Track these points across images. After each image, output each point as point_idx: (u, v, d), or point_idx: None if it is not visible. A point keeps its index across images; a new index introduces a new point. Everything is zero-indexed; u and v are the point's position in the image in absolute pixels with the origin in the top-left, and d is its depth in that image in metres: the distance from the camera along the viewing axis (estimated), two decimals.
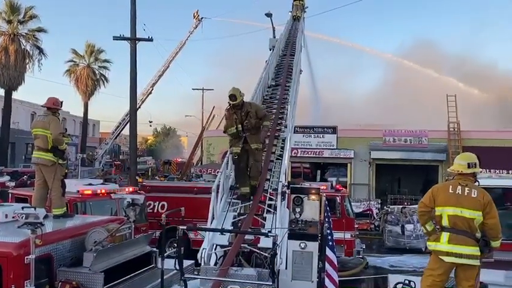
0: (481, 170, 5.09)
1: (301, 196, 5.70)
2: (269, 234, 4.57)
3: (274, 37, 15.19)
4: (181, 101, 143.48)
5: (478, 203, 4.46)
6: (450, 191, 4.63)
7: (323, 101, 41.10)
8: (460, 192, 4.57)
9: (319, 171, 23.78)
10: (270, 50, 13.74)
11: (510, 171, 19.47)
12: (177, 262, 4.43)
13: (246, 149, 6.40)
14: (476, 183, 4.72)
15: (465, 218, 4.50)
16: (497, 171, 19.32)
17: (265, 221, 5.91)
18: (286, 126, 8.45)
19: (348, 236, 13.51)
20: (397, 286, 5.03)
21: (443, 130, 22.14)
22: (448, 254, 4.50)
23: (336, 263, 5.11)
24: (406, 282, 5.06)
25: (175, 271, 4.97)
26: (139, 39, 19.29)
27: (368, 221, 20.67)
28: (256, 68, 11.76)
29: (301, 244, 5.26)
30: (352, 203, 18.19)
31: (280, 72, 12.04)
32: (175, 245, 10.72)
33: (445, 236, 4.56)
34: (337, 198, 13.84)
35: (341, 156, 23.29)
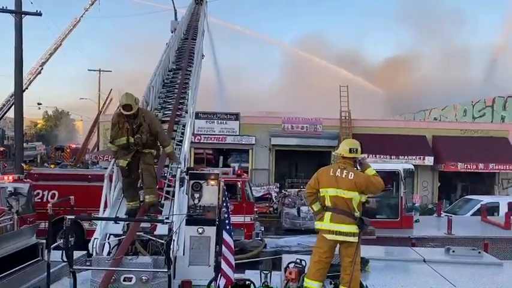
0: (364, 155, 5.53)
1: (200, 182, 5.69)
2: (164, 221, 4.50)
3: (176, 19, 14.83)
4: (76, 83, 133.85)
5: (354, 184, 4.88)
6: (331, 173, 5.01)
7: (227, 88, 41.42)
8: (339, 175, 4.96)
9: (221, 157, 23.94)
10: (172, 32, 13.40)
11: (393, 157, 21.53)
12: (64, 253, 4.16)
13: (138, 157, 5.61)
14: (356, 168, 5.13)
15: (344, 198, 4.90)
16: (382, 156, 21.31)
17: (163, 207, 5.82)
18: (186, 112, 8.34)
19: (247, 219, 13.91)
20: (289, 265, 5.30)
21: (336, 118, 23.68)
22: (330, 232, 4.88)
23: (232, 246, 5.21)
24: (298, 261, 5.36)
25: (64, 263, 4.69)
26: (26, 13, 17.50)
27: (267, 204, 21.47)
28: (157, 50, 11.38)
29: (198, 229, 5.28)
30: (252, 188, 18.70)
31: (182, 55, 11.80)
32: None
33: (327, 215, 4.93)
34: (238, 183, 14.13)
35: (243, 142, 23.74)
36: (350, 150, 5.08)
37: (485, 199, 16.02)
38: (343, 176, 4.98)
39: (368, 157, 19.67)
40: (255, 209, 15.06)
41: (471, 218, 13.13)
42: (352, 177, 4.96)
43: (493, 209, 14.04)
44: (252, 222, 14.13)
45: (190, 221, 5.28)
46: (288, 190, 20.25)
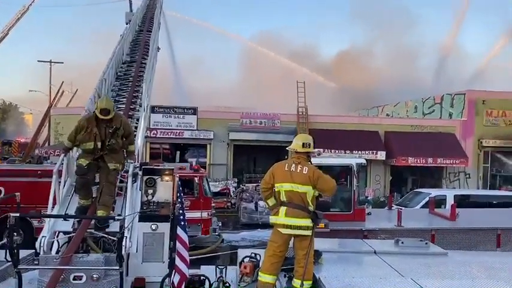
0: (319, 150, 5.65)
1: (154, 177, 5.59)
2: (116, 218, 4.40)
3: (131, 11, 14.42)
4: (25, 75, 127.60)
5: (308, 178, 4.97)
6: (286, 168, 5.07)
7: (184, 82, 40.89)
8: (293, 170, 5.03)
9: (178, 152, 23.65)
10: (126, 24, 13.06)
11: (348, 151, 22.08)
12: (8, 252, 3.97)
13: (99, 166, 5.48)
14: (310, 162, 5.22)
15: (298, 193, 4.98)
16: (337, 151, 21.80)
17: (115, 204, 5.68)
18: (140, 105, 8.17)
19: (205, 215, 13.83)
20: (244, 260, 5.33)
21: (294, 114, 23.97)
22: (285, 226, 4.95)
23: (187, 242, 5.17)
24: (253, 255, 5.41)
25: (9, 263, 4.49)
26: None
27: (225, 199, 21.46)
28: (111, 42, 11.03)
29: (152, 226, 5.20)
30: (210, 183, 18.61)
31: (136, 48, 11.53)
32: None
33: (282, 210, 5.00)
34: (195, 178, 14.01)
35: (201, 137, 23.56)
36: (303, 145, 5.16)
37: (434, 192, 16.80)
38: (298, 170, 5.05)
39: (324, 152, 20.13)
40: (213, 204, 15.01)
41: (420, 210, 13.72)
42: (306, 172, 5.04)
43: (440, 202, 14.76)
44: (209, 217, 14.07)
45: (144, 217, 5.18)
46: (246, 185, 20.34)
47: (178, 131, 23.25)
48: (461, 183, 24.56)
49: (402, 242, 6.47)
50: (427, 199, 13.73)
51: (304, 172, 5.04)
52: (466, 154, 23.95)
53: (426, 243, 6.59)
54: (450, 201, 14.54)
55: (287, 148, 5.35)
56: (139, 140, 6.68)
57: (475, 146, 24.83)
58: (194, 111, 23.64)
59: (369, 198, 21.37)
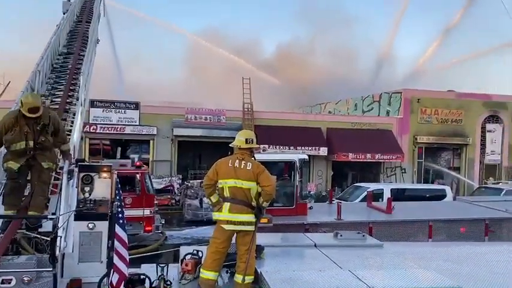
0: (264, 146, 5.70)
1: (91, 174, 5.37)
2: (49, 217, 4.18)
3: (69, 0, 13.76)
4: None
5: (252, 174, 5.00)
6: (230, 164, 5.07)
7: (127, 76, 39.67)
8: (237, 166, 5.04)
9: (119, 149, 22.94)
10: (64, 13, 12.47)
11: (292, 147, 22.51)
12: None
13: (31, 165, 5.17)
14: (253, 158, 5.26)
15: (242, 189, 5.00)
16: (282, 147, 22.17)
17: (49, 202, 5.40)
18: (77, 99, 7.82)
19: (147, 212, 13.55)
20: (186, 257, 5.27)
21: (239, 110, 24.02)
22: (228, 222, 4.95)
23: (126, 240, 5.01)
24: (195, 252, 5.35)
25: None
26: None
27: (169, 196, 21.13)
28: (47, 33, 10.45)
29: (89, 224, 5.01)
30: (153, 180, 18.22)
31: (74, 39, 11.04)
32: None
33: (226, 206, 4.99)
34: (137, 175, 13.67)
35: (143, 132, 22.97)
36: (246, 141, 5.18)
37: (372, 186, 17.55)
38: (242, 166, 5.06)
39: (269, 148, 20.37)
40: (156, 202, 14.73)
41: (359, 204, 14.27)
42: (250, 168, 5.06)
43: (378, 195, 15.44)
44: (152, 215, 13.80)
45: (80, 215, 4.97)
46: (191, 181, 20.14)
47: (119, 127, 22.51)
48: (398, 178, 25.83)
49: (341, 235, 6.67)
50: (365, 193, 14.32)
51: (248, 168, 5.06)
52: (402, 150, 25.21)
53: (363, 235, 6.84)
54: (387, 194, 15.27)
55: (230, 145, 5.34)
56: (75, 136, 6.41)
57: (410, 142, 26.19)
58: (136, 105, 23.00)
59: (311, 192, 21.94)
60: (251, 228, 4.96)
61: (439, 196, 17.67)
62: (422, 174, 26.79)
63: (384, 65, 51.81)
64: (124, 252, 4.99)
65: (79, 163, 5.42)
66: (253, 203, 5.03)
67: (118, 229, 4.95)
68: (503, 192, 17.73)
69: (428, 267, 5.63)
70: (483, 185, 22.60)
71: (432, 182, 25.62)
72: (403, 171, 25.99)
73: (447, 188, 19.02)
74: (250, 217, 4.96)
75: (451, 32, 50.85)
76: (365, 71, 50.58)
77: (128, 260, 5.03)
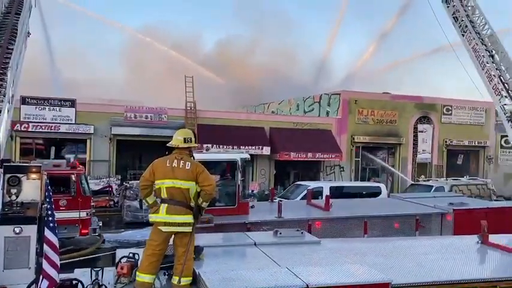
0: (208, 145, 5.65)
1: (18, 175, 5.06)
2: None
3: None
4: None
5: (191, 174, 4.94)
6: (167, 164, 4.98)
7: (62, 72, 37.79)
8: (175, 165, 4.96)
9: (54, 148, 21.79)
10: None
11: (235, 147, 22.55)
12: None
13: None
14: (192, 157, 5.20)
15: (180, 189, 4.92)
16: (226, 146, 22.15)
17: None
18: (5, 95, 7.33)
19: (83, 214, 13.01)
20: (122, 260, 5.11)
21: (182, 108, 23.69)
22: (165, 224, 4.86)
23: (57, 244, 4.78)
24: (131, 255, 5.20)
25: None
26: None
27: (107, 197, 20.42)
28: None
29: (15, 229, 4.72)
30: (90, 181, 17.50)
31: (2, 31, 10.32)
32: None
33: (163, 207, 4.89)
34: (72, 176, 13.06)
35: (80, 131, 21.98)
36: (185, 140, 5.11)
37: (312, 184, 18.04)
38: (180, 166, 4.98)
39: (212, 147, 20.26)
40: (92, 203, 14.15)
41: (299, 201, 14.60)
42: (188, 167, 4.99)
43: (318, 193, 15.87)
44: (89, 217, 13.25)
45: (5, 219, 4.66)
46: (130, 182, 19.55)
47: (53, 125, 21.39)
48: (337, 176, 26.69)
49: (280, 233, 6.77)
50: (305, 191, 14.65)
51: (187, 168, 4.99)
52: (340, 149, 26.09)
53: (302, 232, 7.00)
54: (326, 192, 15.71)
55: (168, 144, 5.23)
56: (1, 135, 5.99)
57: (348, 142, 27.17)
58: (72, 103, 21.97)
59: (254, 191, 22.13)
60: (189, 229, 4.90)
61: (375, 193, 18.50)
62: (360, 173, 27.89)
63: (324, 67, 53.39)
64: (55, 257, 4.75)
65: (4, 164, 5.08)
66: (192, 204, 4.97)
67: (48, 233, 4.71)
68: (433, 189, 18.91)
69: (362, 262, 5.86)
70: (415, 182, 23.96)
71: (368, 180, 26.74)
72: (342, 169, 26.90)
73: (382, 186, 19.97)
74: (189, 218, 4.90)
75: (386, 38, 53.46)
76: (307, 73, 51.84)
77: (58, 265, 4.80)
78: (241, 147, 22.75)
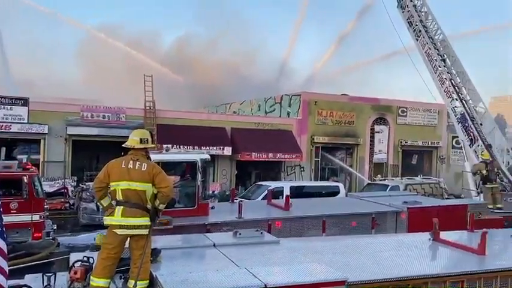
0: (167, 146, 5.55)
1: None
2: None
3: None
4: None
5: (147, 175, 4.85)
6: (123, 166, 4.86)
7: (14, 70, 36.19)
8: (131, 167, 4.86)
9: (4, 149, 20.81)
10: None
11: (196, 147, 22.36)
12: None
13: None
14: (149, 158, 5.11)
15: (136, 191, 4.82)
16: (187, 147, 21.90)
17: None
18: None
19: (36, 217, 12.48)
20: (76, 264, 4.95)
21: (141, 108, 23.23)
22: (121, 227, 4.74)
23: (5, 249, 4.56)
24: (85, 259, 5.05)
25: None
26: None
27: (63, 199, 19.75)
28: None
29: None
30: (44, 182, 16.86)
31: None
32: None
33: (119, 210, 4.78)
34: (24, 178, 12.51)
35: (33, 131, 21.08)
36: (141, 141, 5.01)
37: (273, 184, 18.19)
38: (136, 167, 4.88)
39: (172, 147, 19.98)
40: (46, 206, 13.61)
41: (260, 202, 14.67)
42: (145, 169, 4.90)
43: (279, 193, 16.02)
44: (42, 220, 12.72)
45: None
46: (86, 183, 18.98)
47: (4, 124, 20.41)
48: (297, 176, 27.02)
49: (240, 234, 6.78)
50: (266, 191, 14.73)
51: (143, 169, 4.89)
52: (301, 149, 26.43)
53: (261, 233, 7.03)
54: (287, 192, 15.89)
55: (123, 145, 5.11)
56: None
57: (308, 142, 27.57)
58: (25, 102, 21.04)
59: (215, 192, 22.03)
60: (145, 232, 4.81)
61: (334, 192, 18.89)
62: (319, 172, 28.37)
63: (286, 68, 54.00)
64: (3, 263, 4.54)
65: None
66: (149, 206, 4.88)
67: None
68: (388, 188, 19.52)
69: (319, 260, 5.96)
70: (372, 182, 24.65)
71: (327, 180, 27.25)
72: (302, 169, 27.27)
73: (340, 185, 20.42)
74: (145, 220, 4.81)
75: (345, 40, 54.76)
76: (269, 74, 52.23)
77: (7, 271, 4.59)
78: (202, 147, 22.59)
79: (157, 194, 4.94)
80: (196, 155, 10.25)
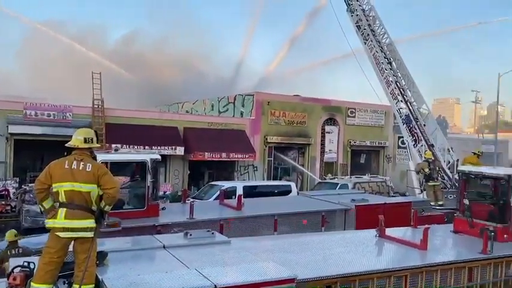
0: (117, 145, 5.38)
1: None
2: None
3: None
4: None
5: (92, 176, 4.69)
6: (66, 166, 4.68)
7: None
8: (75, 167, 4.68)
9: None
10: None
11: (147, 147, 21.90)
12: None
13: None
14: (94, 158, 4.94)
15: (81, 192, 4.65)
16: (137, 146, 21.38)
17: None
18: None
19: None
20: (15, 270, 4.70)
21: (88, 106, 22.41)
22: (64, 229, 4.56)
23: None
24: (25, 264, 4.81)
25: None
26: None
27: (4, 202, 18.70)
28: None
29: None
30: None
31: None
32: None
33: (62, 212, 4.59)
34: None
35: None
36: (85, 140, 4.83)
37: (226, 184, 18.16)
38: (80, 168, 4.70)
39: (122, 147, 19.43)
40: None
41: (212, 202, 14.58)
42: (90, 169, 4.73)
43: (232, 193, 16.01)
44: None
45: None
46: (30, 185, 18.05)
47: None
48: (250, 176, 27.14)
49: (190, 234, 6.72)
50: (219, 191, 14.64)
51: (87, 169, 4.72)
52: (254, 149, 26.57)
53: (212, 233, 7.01)
54: (240, 192, 15.91)
55: (66, 144, 4.90)
56: None
57: (262, 142, 27.76)
58: None
59: (167, 193, 21.67)
60: (90, 234, 4.64)
61: (286, 191, 19.13)
62: (272, 172, 28.65)
63: (240, 68, 54.08)
64: None
65: None
66: (94, 208, 4.72)
67: None
68: (338, 187, 20.07)
69: (270, 259, 6.02)
70: (322, 181, 25.23)
71: (280, 179, 27.58)
72: (255, 169, 27.42)
73: (292, 184, 20.72)
74: (90, 222, 4.65)
75: (296, 42, 55.64)
76: (223, 74, 52.09)
77: None
78: (154, 147, 22.14)
79: (102, 195, 4.78)
80: (146, 155, 10.02)
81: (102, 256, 5.11)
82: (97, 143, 4.97)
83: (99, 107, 22.49)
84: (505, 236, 8.30)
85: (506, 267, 7.49)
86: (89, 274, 4.50)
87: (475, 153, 16.68)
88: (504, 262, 7.45)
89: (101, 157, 8.59)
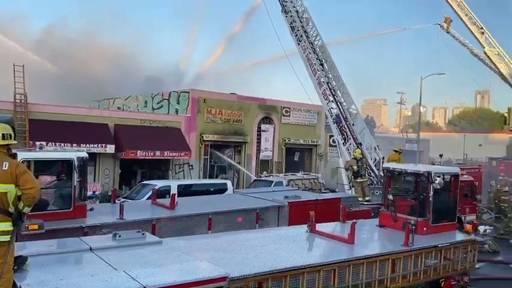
0: (41, 143, 5.03)
1: None
2: None
3: None
4: None
5: (9, 175, 4.37)
6: None
7: None
8: None
9: None
10: None
11: (75, 145, 20.80)
12: None
13: None
14: (12, 156, 4.61)
15: None
16: (64, 144, 20.24)
17: None
18: None
19: None
20: None
21: (9, 101, 20.86)
22: None
23: None
24: None
25: None
26: None
27: None
28: None
29: None
30: None
31: None
32: None
33: None
34: None
35: None
36: (4, 137, 4.48)
37: (159, 183, 17.74)
38: None
39: (47, 145, 18.31)
40: None
41: (144, 201, 14.20)
42: (6, 168, 4.39)
43: (166, 192, 15.67)
44: None
45: None
46: None
47: None
48: (186, 174, 26.78)
49: (119, 235, 6.49)
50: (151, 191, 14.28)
51: (4, 168, 4.38)
52: (189, 147, 26.23)
53: (143, 233, 6.82)
54: (174, 191, 15.62)
55: None
56: None
57: (197, 140, 27.49)
58: None
59: (96, 193, 20.74)
60: (7, 238, 4.32)
61: (222, 190, 19.09)
62: (208, 170, 28.49)
63: (177, 65, 53.13)
64: None
65: None
66: (11, 209, 4.38)
67: None
68: (273, 184, 20.39)
69: (202, 258, 5.97)
70: (258, 178, 25.51)
71: (217, 177, 27.49)
72: (191, 167, 27.10)
73: (228, 182, 20.72)
74: (6, 226, 4.32)
75: (233, 42, 55.78)
76: (158, 70, 50.87)
77: None
78: (82, 145, 21.06)
79: (21, 195, 4.46)
80: (73, 152, 9.50)
81: (21, 261, 4.77)
82: (14, 139, 4.61)
83: (22, 102, 21.01)
84: (425, 229, 8.91)
85: (425, 257, 8.05)
86: (5, 281, 4.18)
87: (396, 151, 17.82)
88: (423, 253, 7.99)
89: (22, 155, 8.06)
